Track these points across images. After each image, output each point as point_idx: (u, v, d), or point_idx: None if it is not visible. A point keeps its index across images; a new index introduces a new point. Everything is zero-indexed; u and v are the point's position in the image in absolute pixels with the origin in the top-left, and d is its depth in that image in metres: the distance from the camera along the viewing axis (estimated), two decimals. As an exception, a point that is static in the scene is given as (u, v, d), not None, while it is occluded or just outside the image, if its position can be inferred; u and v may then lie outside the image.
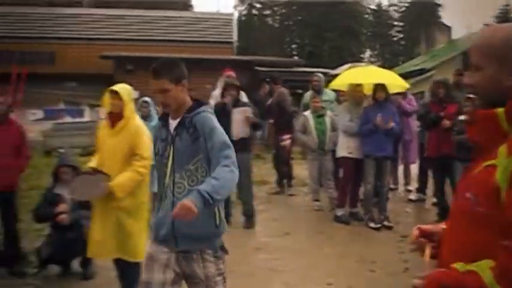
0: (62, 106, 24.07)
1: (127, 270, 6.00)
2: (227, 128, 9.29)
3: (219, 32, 32.66)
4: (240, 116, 9.41)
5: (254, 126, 9.76)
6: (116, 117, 5.99)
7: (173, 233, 3.93)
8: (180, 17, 34.16)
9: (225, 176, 3.76)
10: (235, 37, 33.49)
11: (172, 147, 3.97)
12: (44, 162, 15.53)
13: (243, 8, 67.46)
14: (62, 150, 17.48)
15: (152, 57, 25.52)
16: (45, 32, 30.10)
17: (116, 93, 5.97)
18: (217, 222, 3.96)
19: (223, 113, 9.20)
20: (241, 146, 9.24)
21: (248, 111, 9.52)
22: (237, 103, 9.55)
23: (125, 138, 5.90)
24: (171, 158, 3.96)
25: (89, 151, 18.20)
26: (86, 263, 7.21)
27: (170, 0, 43.03)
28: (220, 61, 23.27)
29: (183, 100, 4.01)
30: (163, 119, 4.13)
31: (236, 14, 36.96)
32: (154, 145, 4.20)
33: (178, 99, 3.97)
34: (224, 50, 30.31)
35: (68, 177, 7.12)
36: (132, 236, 5.92)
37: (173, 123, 4.02)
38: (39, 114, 21.16)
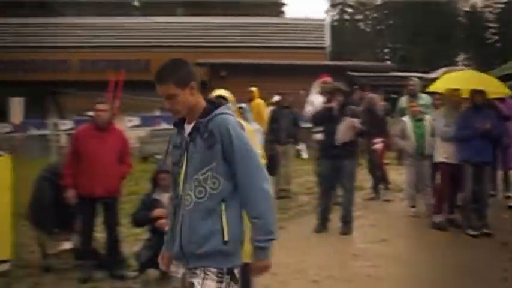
0: (157, 113, 24.52)
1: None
2: (332, 133, 9.25)
3: (311, 37, 32.55)
4: (347, 123, 9.29)
5: (359, 134, 9.66)
6: None
7: (182, 251, 3.59)
8: (271, 23, 34.29)
9: (264, 206, 3.46)
10: (327, 42, 33.32)
11: (186, 155, 3.60)
12: (141, 168, 15.83)
13: (334, 12, 67.21)
14: (158, 157, 17.86)
15: (246, 63, 25.77)
16: (140, 41, 30.81)
17: (224, 100, 5.99)
18: (225, 238, 3.49)
19: (329, 118, 9.16)
20: (346, 151, 9.19)
21: (355, 122, 9.36)
22: (344, 108, 9.42)
23: None
24: (184, 166, 3.60)
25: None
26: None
27: (262, 7, 43.33)
28: (313, 67, 23.20)
29: (194, 104, 3.59)
30: (179, 124, 3.71)
31: (328, 19, 36.76)
32: (171, 153, 3.82)
33: (188, 104, 3.57)
34: (316, 55, 30.17)
35: (166, 183, 7.21)
36: None
37: (188, 128, 3.62)
38: (136, 120, 21.63)
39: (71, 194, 7.42)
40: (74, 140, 7.67)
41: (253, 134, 6.00)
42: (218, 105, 3.61)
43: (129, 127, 21.78)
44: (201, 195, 3.48)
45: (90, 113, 7.97)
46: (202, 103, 3.63)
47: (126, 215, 8.00)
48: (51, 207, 7.74)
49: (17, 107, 29.24)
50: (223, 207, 3.49)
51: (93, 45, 30.36)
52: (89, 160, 7.38)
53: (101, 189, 7.41)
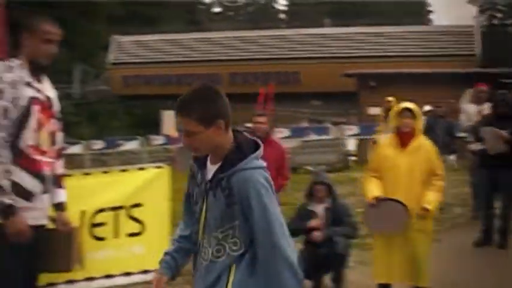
0: (305, 124, 24.78)
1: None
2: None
3: (461, 44, 31.74)
4: (493, 133, 9.02)
5: (509, 143, 9.33)
6: (406, 135, 6.01)
7: None
8: (420, 31, 33.78)
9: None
10: (478, 49, 32.31)
11: (205, 201, 3.03)
12: (292, 179, 16.00)
13: (483, 18, 64.99)
14: (309, 168, 18.00)
15: (395, 73, 25.45)
16: (288, 53, 31.21)
17: (410, 111, 6.01)
18: None
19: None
20: (503, 161, 8.88)
21: (501, 132, 9.03)
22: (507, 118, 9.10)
23: (422, 157, 5.93)
24: (203, 213, 3.06)
25: (334, 168, 18.57)
26: (338, 279, 7.27)
27: (409, 15, 42.69)
28: (463, 74, 22.62)
29: (219, 144, 2.94)
30: (200, 161, 3.09)
31: (477, 25, 35.60)
32: (188, 185, 3.20)
33: (210, 144, 2.94)
34: (465, 63, 29.35)
35: (322, 195, 7.24)
36: (423, 259, 5.95)
37: (211, 169, 3.01)
38: (286, 132, 21.92)
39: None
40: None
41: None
42: (245, 154, 2.94)
43: (280, 138, 22.12)
44: (219, 254, 2.98)
45: (249, 125, 8.14)
46: (229, 143, 2.97)
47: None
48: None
49: (169, 119, 30.48)
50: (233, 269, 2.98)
51: (242, 59, 31.09)
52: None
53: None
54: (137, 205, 6.40)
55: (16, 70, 4.05)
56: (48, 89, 4.30)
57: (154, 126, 32.35)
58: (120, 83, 32.68)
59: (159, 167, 6.82)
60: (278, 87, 22.64)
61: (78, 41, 31.05)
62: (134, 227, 6.49)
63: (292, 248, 2.96)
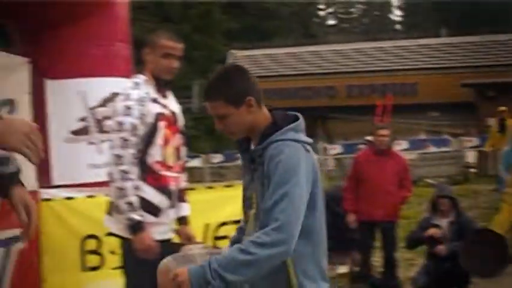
0: (423, 136, 24.29)
1: None
2: None
3: None
4: None
5: None
6: None
7: None
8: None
9: (255, 252, 2.59)
10: None
11: (253, 184, 2.85)
12: (412, 192, 15.71)
13: None
14: (430, 181, 17.63)
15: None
16: (406, 64, 30.72)
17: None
18: None
19: None
20: None
21: None
22: None
23: None
24: (254, 198, 2.84)
25: (454, 181, 18.08)
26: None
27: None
28: None
29: (254, 123, 2.82)
30: (242, 143, 2.95)
31: None
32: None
33: (244, 125, 2.81)
34: None
35: (446, 209, 7.11)
36: None
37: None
38: (404, 144, 21.54)
39: (351, 219, 7.60)
40: (354, 165, 7.91)
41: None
42: (280, 126, 2.78)
43: (399, 151, 21.80)
44: None
45: (369, 138, 8.14)
46: (265, 121, 2.84)
47: (399, 239, 8.00)
48: (329, 232, 7.95)
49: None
50: (289, 261, 2.74)
51: (358, 71, 30.87)
52: (370, 185, 7.54)
53: (381, 213, 7.52)
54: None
55: (142, 87, 4.13)
56: (173, 104, 4.36)
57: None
58: (238, 97, 33.12)
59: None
60: (395, 99, 22.34)
61: (195, 55, 31.79)
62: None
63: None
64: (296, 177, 2.64)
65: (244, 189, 2.96)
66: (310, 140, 2.83)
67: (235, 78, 2.82)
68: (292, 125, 2.78)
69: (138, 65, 6.10)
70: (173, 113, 4.32)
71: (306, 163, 2.72)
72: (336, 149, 23.80)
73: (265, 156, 2.71)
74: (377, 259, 8.08)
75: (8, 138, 2.24)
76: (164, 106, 4.22)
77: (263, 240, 2.59)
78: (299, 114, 2.87)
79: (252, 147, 2.87)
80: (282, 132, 2.74)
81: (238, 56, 33.61)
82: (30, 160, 2.26)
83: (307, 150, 2.78)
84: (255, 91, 2.82)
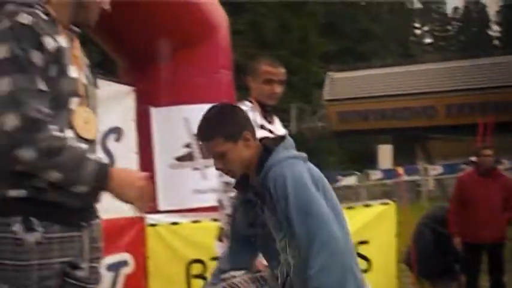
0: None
1: None
2: None
3: None
4: None
5: None
6: None
7: None
8: None
9: (323, 259, 2.56)
10: None
11: (265, 217, 2.82)
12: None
13: None
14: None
15: None
16: (508, 81, 29.88)
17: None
18: None
19: None
20: None
21: None
22: None
23: None
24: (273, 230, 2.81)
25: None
26: None
27: None
28: None
29: (251, 157, 2.81)
30: (241, 183, 2.94)
31: None
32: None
33: (244, 160, 2.81)
34: None
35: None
36: None
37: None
38: (507, 164, 20.94)
39: (457, 241, 7.47)
40: (458, 186, 7.80)
41: None
42: (270, 150, 2.81)
43: (504, 169, 21.24)
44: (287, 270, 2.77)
45: (473, 159, 8.00)
46: (260, 153, 2.84)
47: (507, 261, 7.79)
48: (433, 254, 7.84)
49: (385, 153, 30.37)
50: None
51: (457, 89, 30.28)
52: (475, 206, 7.41)
53: (487, 235, 7.36)
54: (363, 242, 6.38)
55: (249, 113, 4.18)
56: (279, 129, 4.35)
57: (369, 161, 32.33)
58: (336, 119, 33.07)
59: (385, 203, 6.77)
60: (496, 117, 21.82)
61: (293, 79, 32.02)
62: (361, 264, 6.51)
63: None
64: (308, 190, 2.67)
65: (251, 224, 2.94)
66: (303, 154, 2.85)
67: (230, 114, 2.86)
68: (282, 144, 2.82)
69: (239, 91, 6.21)
70: (279, 138, 4.35)
71: (309, 173, 2.75)
72: (436, 169, 23.44)
73: (268, 182, 2.71)
74: (484, 283, 7.87)
75: (126, 190, 2.39)
76: (271, 131, 4.20)
77: (321, 264, 2.57)
78: (285, 134, 2.99)
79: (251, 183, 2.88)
80: (275, 154, 2.77)
81: (336, 77, 33.63)
82: (139, 211, 2.37)
83: (304, 161, 2.83)
84: (249, 125, 2.87)
